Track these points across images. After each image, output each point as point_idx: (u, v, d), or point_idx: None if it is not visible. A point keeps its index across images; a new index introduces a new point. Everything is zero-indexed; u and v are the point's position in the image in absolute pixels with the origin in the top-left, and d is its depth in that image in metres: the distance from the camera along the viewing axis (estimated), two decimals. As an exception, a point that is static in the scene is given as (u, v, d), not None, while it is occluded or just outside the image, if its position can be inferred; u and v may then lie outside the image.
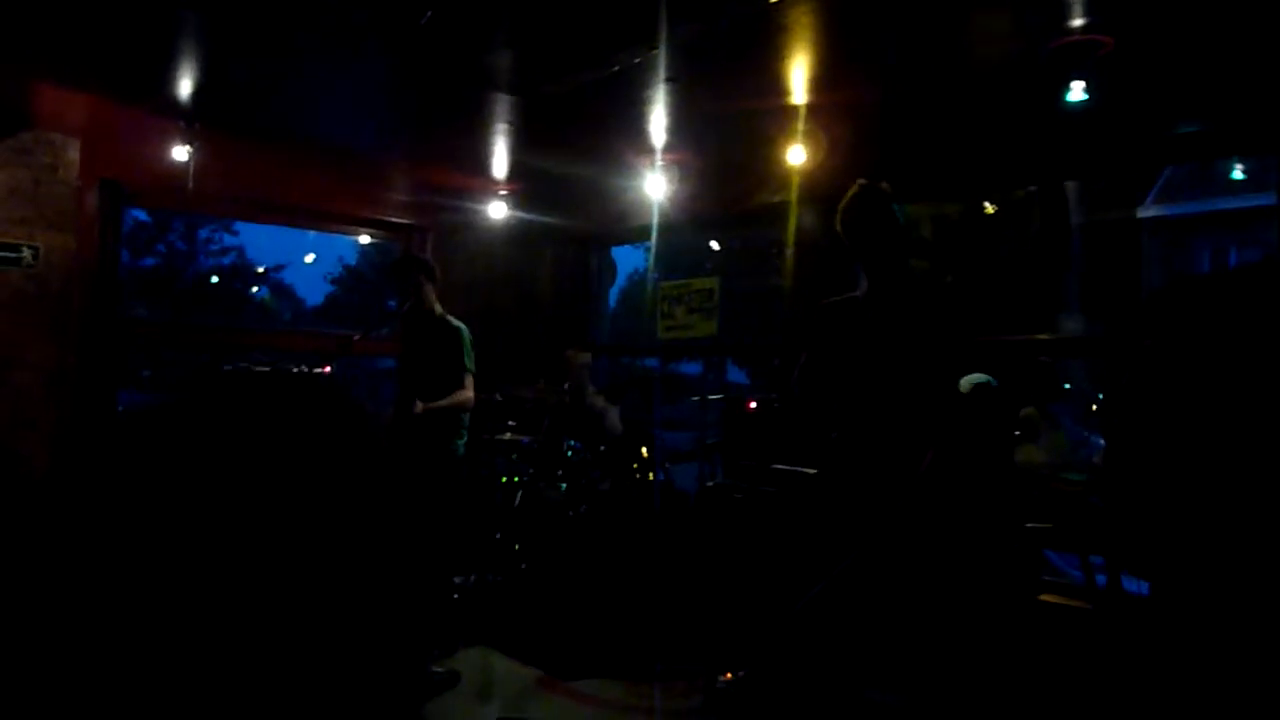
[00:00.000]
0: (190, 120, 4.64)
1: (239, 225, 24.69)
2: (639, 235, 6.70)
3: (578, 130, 4.76)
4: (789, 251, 4.95)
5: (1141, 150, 4.29)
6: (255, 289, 26.96)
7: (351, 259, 27.21)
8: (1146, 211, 18.29)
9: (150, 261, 24.55)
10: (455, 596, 4.70)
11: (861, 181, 2.96)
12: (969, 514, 3.10)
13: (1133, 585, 3.25)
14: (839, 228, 2.98)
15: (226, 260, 26.07)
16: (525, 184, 5.85)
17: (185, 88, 4.27)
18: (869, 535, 2.78)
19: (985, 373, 4.02)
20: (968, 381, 3.96)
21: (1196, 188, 17.16)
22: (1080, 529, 3.37)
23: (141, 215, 22.81)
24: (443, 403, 4.39)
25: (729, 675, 3.62)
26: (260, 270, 26.75)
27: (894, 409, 2.84)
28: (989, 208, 4.34)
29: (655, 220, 5.51)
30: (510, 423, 5.44)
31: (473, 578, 4.91)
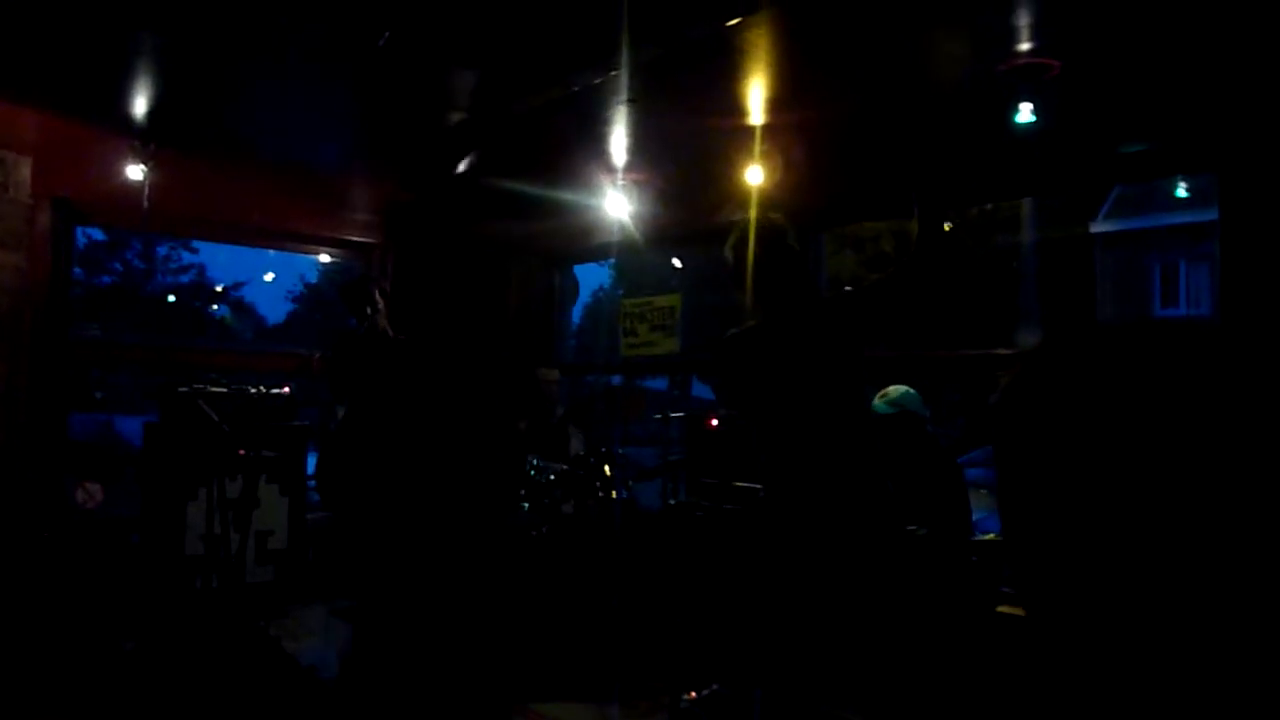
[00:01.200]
0: (146, 139, 4.57)
1: (199, 243, 24.34)
2: (602, 253, 6.72)
3: (539, 149, 4.78)
4: (749, 267, 4.99)
5: (1088, 169, 4.41)
6: (215, 307, 26.58)
7: (313, 277, 27.00)
8: (1099, 227, 18.76)
9: (107, 280, 24.10)
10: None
11: (755, 217, 3.11)
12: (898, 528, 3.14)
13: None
14: (728, 260, 3.09)
15: (186, 278, 25.72)
16: (487, 202, 5.84)
17: (141, 106, 4.21)
18: (808, 555, 2.84)
19: (908, 385, 4.07)
20: (895, 391, 4.00)
21: (1146, 204, 17.65)
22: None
23: (97, 234, 22.41)
24: None
25: (693, 694, 3.62)
26: (220, 288, 26.41)
27: (801, 430, 2.93)
28: (945, 226, 4.41)
29: (617, 238, 5.54)
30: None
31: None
